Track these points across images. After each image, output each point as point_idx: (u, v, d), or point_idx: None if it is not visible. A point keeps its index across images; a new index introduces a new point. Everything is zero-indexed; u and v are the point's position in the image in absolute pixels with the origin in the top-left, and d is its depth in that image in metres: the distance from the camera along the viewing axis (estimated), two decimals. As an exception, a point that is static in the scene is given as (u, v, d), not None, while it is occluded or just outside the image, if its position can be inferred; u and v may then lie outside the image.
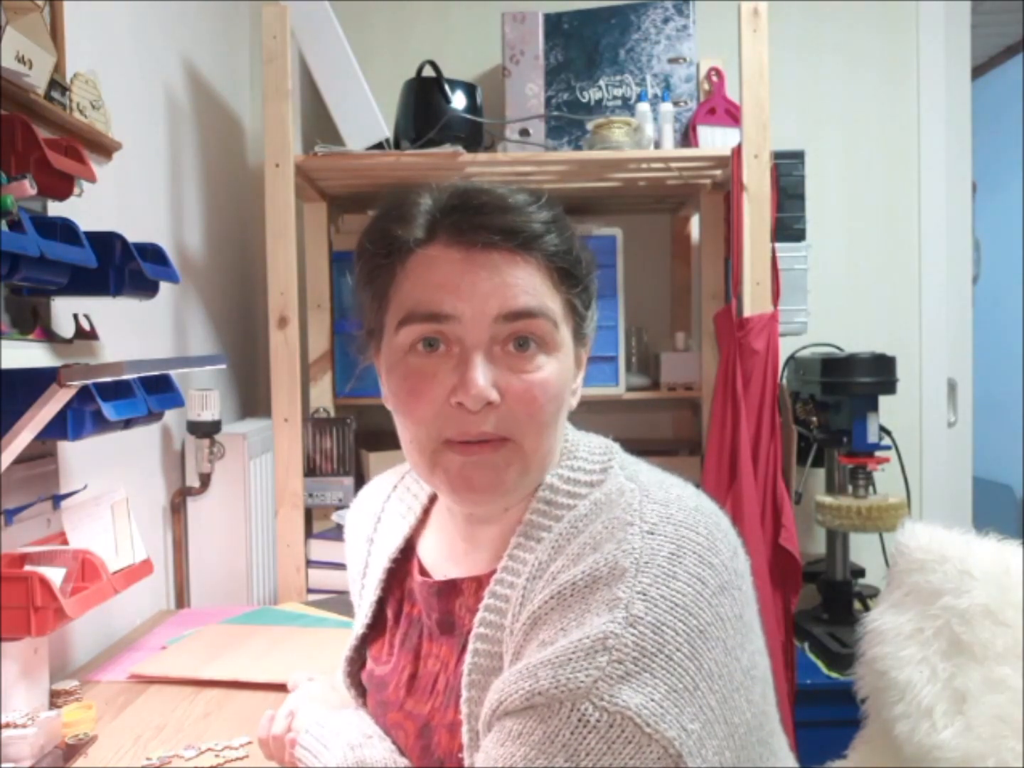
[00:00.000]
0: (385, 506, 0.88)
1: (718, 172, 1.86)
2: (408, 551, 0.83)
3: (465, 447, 0.68)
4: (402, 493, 0.88)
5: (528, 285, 0.68)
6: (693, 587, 0.60)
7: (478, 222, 0.67)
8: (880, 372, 1.78)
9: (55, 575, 1.06)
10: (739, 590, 0.64)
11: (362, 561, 0.87)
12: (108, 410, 1.07)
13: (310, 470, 1.85)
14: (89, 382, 1.00)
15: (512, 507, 0.72)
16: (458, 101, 1.85)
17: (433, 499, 0.84)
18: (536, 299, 0.68)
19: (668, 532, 0.63)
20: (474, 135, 1.85)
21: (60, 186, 1.11)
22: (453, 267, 0.67)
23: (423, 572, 0.79)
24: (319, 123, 1.91)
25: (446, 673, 0.74)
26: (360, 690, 0.86)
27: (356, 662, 0.86)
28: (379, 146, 1.77)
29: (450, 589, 0.75)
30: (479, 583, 0.72)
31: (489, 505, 0.71)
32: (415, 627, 0.79)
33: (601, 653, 0.57)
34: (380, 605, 0.83)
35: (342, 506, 1.85)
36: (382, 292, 0.72)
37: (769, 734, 0.65)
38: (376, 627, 0.84)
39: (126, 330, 1.47)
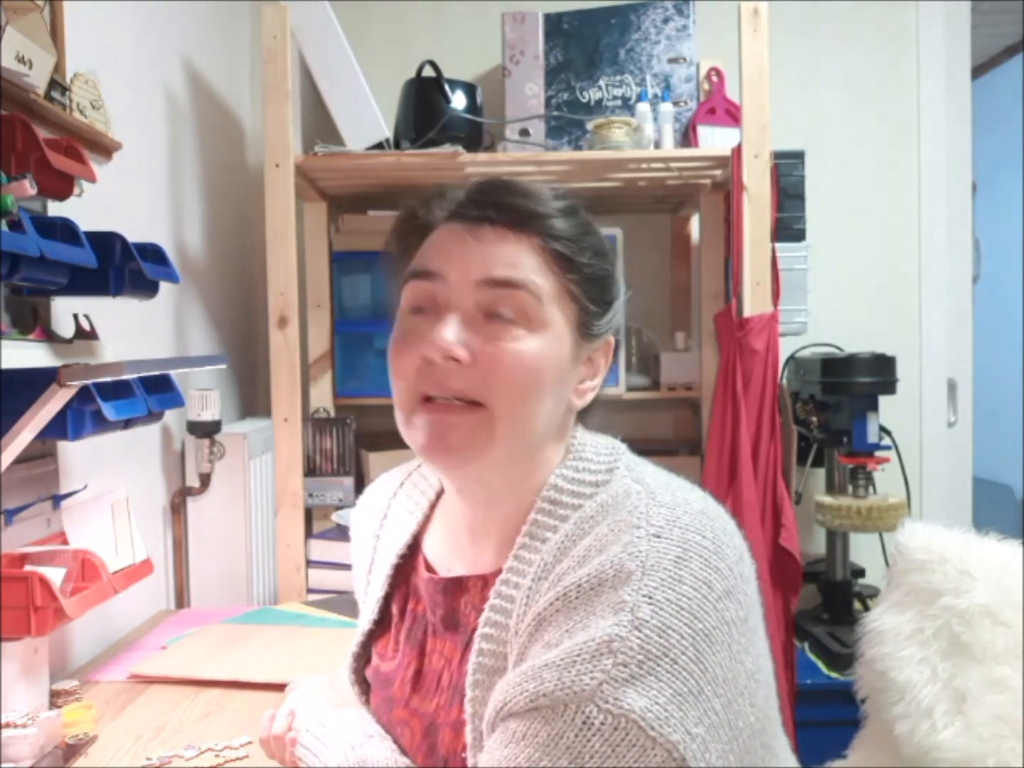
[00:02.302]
0: (391, 503, 0.88)
1: (718, 172, 1.86)
2: (414, 548, 0.83)
3: (434, 406, 0.69)
4: (409, 490, 0.88)
5: (514, 259, 0.70)
6: (699, 591, 0.60)
7: (481, 200, 0.72)
8: (880, 372, 1.78)
9: (55, 575, 1.06)
10: (744, 594, 0.64)
11: (368, 557, 0.87)
12: (108, 410, 1.07)
13: (310, 470, 1.85)
14: (89, 382, 1.00)
15: (488, 468, 0.70)
16: (458, 101, 1.85)
17: (439, 495, 0.84)
18: (519, 272, 0.69)
19: (674, 536, 0.63)
20: (474, 135, 1.85)
21: (60, 186, 1.11)
22: (451, 236, 0.72)
23: (428, 568, 0.80)
24: (319, 123, 1.91)
25: (450, 670, 0.74)
26: (364, 687, 0.86)
27: (361, 658, 0.87)
28: (379, 146, 1.77)
29: (456, 586, 0.75)
30: (485, 582, 0.72)
31: (457, 468, 0.72)
32: (419, 623, 0.79)
33: (606, 656, 0.57)
34: (386, 601, 0.84)
35: (342, 506, 1.85)
36: (403, 266, 0.76)
37: (771, 737, 0.65)
38: (382, 623, 0.84)
39: (126, 330, 1.47)
